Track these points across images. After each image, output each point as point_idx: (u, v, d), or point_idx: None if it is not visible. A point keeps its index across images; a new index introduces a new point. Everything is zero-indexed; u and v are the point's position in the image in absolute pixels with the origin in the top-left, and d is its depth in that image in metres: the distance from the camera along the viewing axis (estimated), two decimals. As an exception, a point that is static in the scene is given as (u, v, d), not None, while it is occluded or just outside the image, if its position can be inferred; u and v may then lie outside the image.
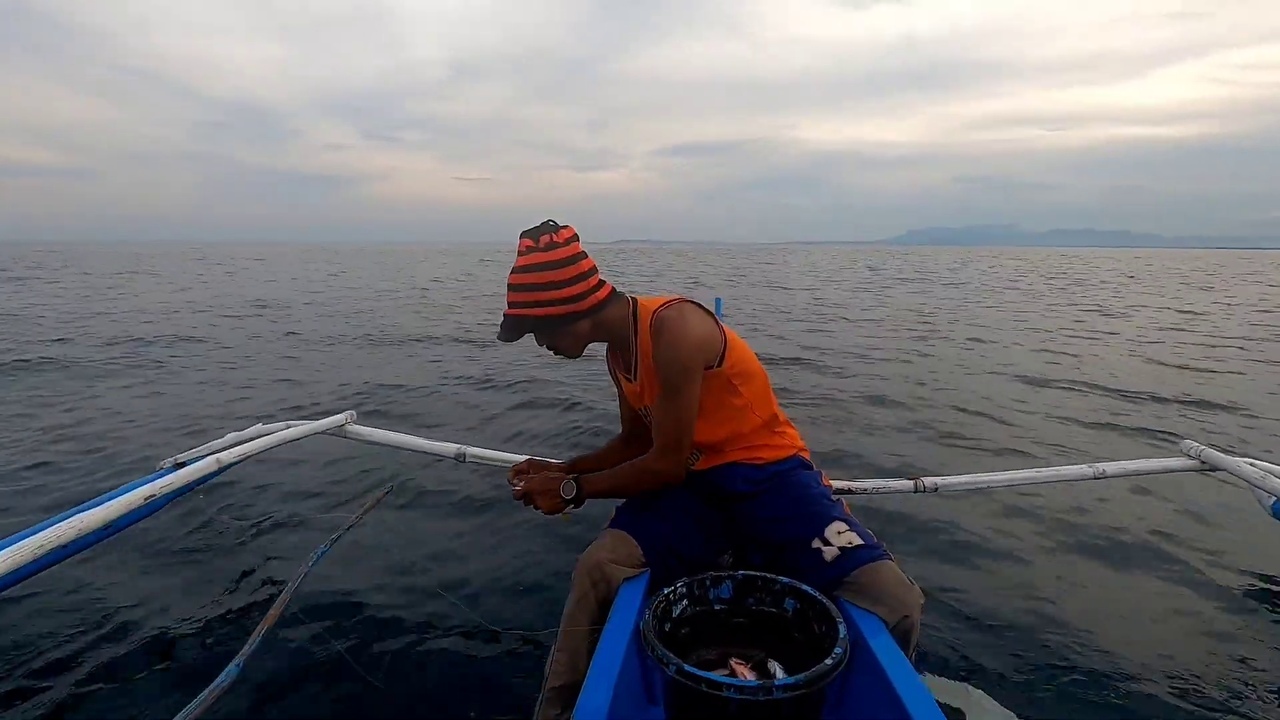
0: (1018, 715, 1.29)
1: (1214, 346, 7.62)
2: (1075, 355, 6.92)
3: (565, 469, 1.66)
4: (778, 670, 1.09)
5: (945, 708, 0.99)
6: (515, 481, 1.53)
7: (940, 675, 1.60)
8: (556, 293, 1.40)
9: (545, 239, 1.39)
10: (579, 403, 4.44)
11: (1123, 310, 11.94)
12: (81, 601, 1.87)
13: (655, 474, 1.44)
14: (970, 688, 1.33)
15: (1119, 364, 6.45)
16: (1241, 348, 7.54)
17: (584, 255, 1.43)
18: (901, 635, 1.22)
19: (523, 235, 1.42)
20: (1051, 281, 20.66)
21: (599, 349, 1.60)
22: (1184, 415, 4.50)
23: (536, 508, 1.46)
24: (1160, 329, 9.23)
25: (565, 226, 1.42)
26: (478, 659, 1.66)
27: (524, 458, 2.17)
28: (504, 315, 1.45)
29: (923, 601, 1.27)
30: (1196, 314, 11.33)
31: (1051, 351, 7.13)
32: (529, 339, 1.47)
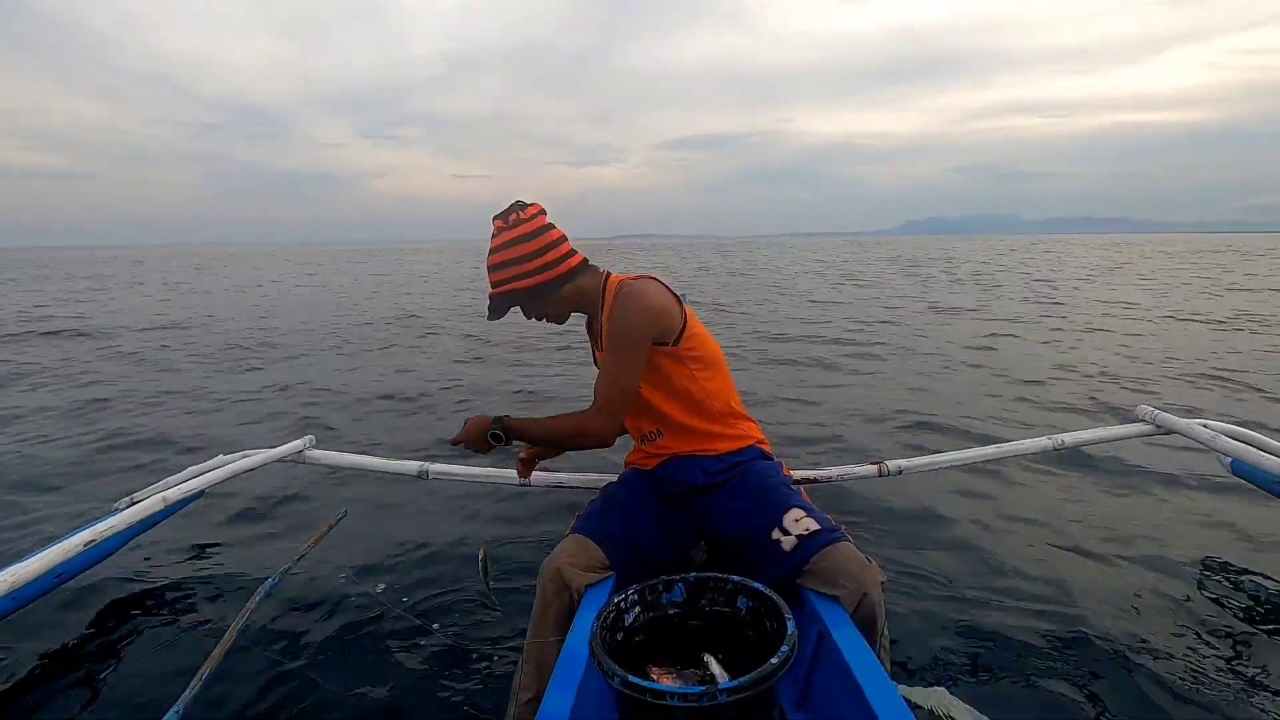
0: (988, 716, 1.29)
1: None
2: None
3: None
4: (713, 664, 1.08)
5: (920, 711, 0.99)
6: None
7: (913, 675, 1.60)
8: (530, 264, 1.47)
9: (514, 217, 1.48)
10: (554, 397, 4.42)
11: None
12: (12, 649, 1.78)
13: (585, 430, 1.49)
14: (944, 692, 1.32)
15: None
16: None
17: (552, 226, 1.51)
18: (866, 619, 1.23)
19: (495, 218, 1.50)
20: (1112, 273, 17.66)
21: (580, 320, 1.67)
22: None
23: (470, 447, 1.55)
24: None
25: (532, 204, 1.51)
26: (444, 680, 1.62)
27: (487, 470, 2.16)
28: (489, 297, 1.52)
29: (883, 580, 1.28)
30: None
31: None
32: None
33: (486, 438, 1.53)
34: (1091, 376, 5.07)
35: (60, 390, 5.19)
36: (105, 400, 4.78)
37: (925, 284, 14.52)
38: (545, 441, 1.60)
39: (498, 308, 1.52)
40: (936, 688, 1.36)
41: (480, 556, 1.59)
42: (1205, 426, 2.09)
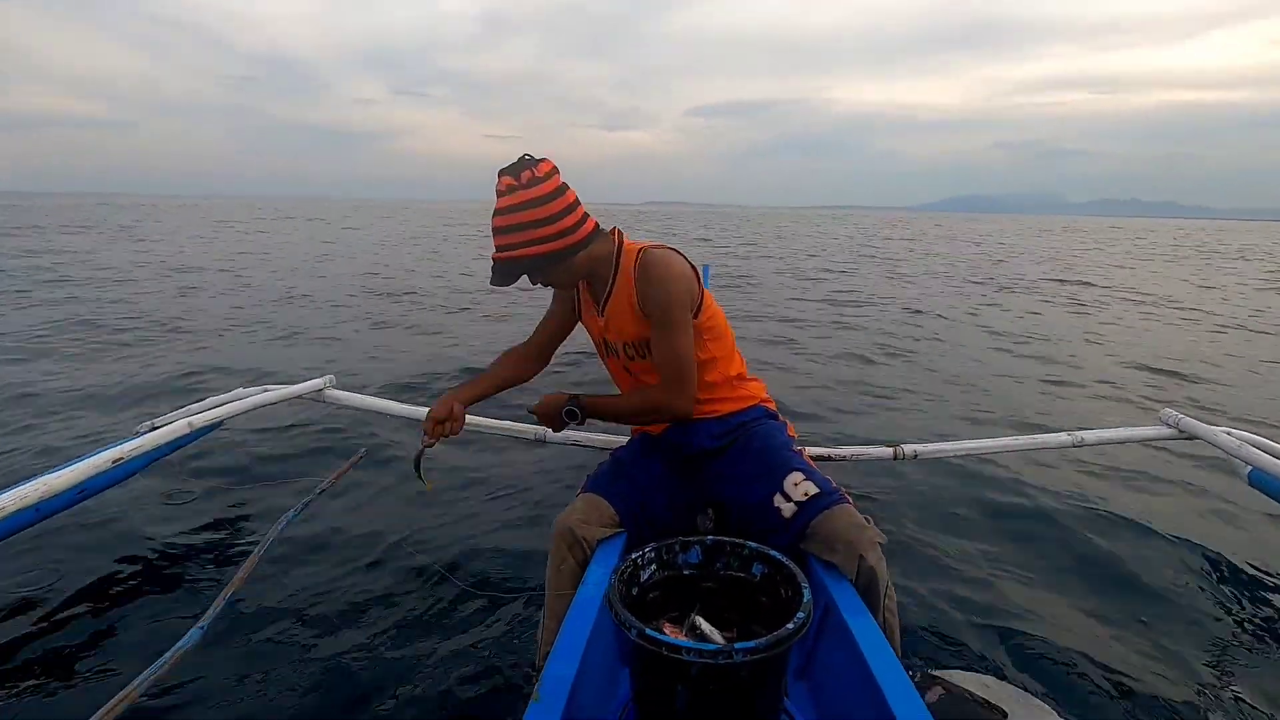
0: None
1: None
2: None
3: (463, 404, 1.52)
4: (703, 624, 1.10)
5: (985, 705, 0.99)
6: (426, 442, 1.48)
7: (936, 655, 1.61)
8: (548, 228, 1.34)
9: (526, 175, 1.33)
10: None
11: None
12: (45, 565, 1.85)
13: (665, 406, 1.44)
14: (986, 677, 1.33)
15: None
16: None
17: (567, 186, 1.38)
18: (866, 584, 1.25)
19: (501, 173, 1.35)
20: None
21: None
22: None
23: (544, 423, 1.53)
24: None
25: (543, 160, 1.36)
26: (461, 622, 1.66)
27: (505, 423, 2.17)
28: (494, 260, 1.39)
29: (881, 540, 1.29)
30: None
31: None
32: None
33: (562, 414, 1.48)
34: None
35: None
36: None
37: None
38: (621, 419, 1.53)
39: (505, 273, 1.39)
40: (985, 675, 1.36)
41: (415, 456, 1.48)
42: (1229, 434, 2.06)
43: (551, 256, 1.37)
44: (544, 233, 1.34)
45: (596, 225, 1.44)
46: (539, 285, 1.46)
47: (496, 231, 1.37)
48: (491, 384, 1.61)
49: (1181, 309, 8.41)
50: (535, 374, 1.68)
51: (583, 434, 2.10)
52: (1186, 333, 6.74)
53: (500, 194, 1.35)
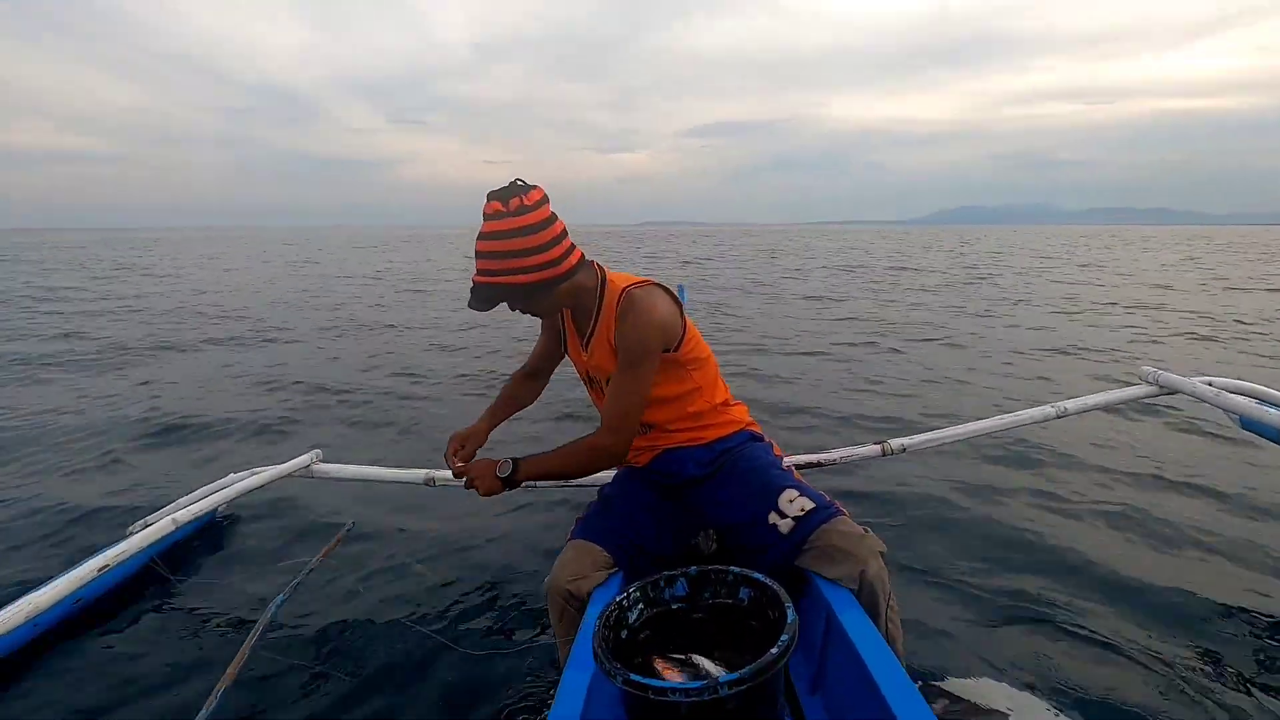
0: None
1: None
2: None
3: (486, 424, 1.66)
4: (703, 664, 1.09)
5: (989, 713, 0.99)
6: (454, 463, 1.53)
7: (938, 661, 1.57)
8: (533, 259, 1.32)
9: (515, 201, 1.30)
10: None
11: None
12: (29, 665, 1.77)
13: (600, 449, 1.41)
14: (990, 682, 1.32)
15: None
16: None
17: (556, 217, 1.36)
18: (870, 592, 1.23)
19: (490, 196, 1.32)
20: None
21: None
22: None
23: (478, 487, 1.43)
24: None
25: (535, 187, 1.33)
26: (463, 687, 1.63)
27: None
28: (474, 284, 1.36)
29: (881, 549, 1.27)
30: None
31: None
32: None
33: (496, 478, 1.42)
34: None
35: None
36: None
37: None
38: (561, 474, 1.50)
39: (484, 298, 1.36)
40: (983, 679, 1.35)
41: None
42: (1209, 384, 2.07)
43: (533, 287, 1.35)
44: (528, 263, 1.32)
45: (582, 256, 1.43)
46: (518, 312, 1.44)
47: (480, 255, 1.35)
48: (505, 407, 1.71)
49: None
50: (540, 391, 1.78)
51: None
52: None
53: (487, 217, 1.32)
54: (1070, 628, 1.71)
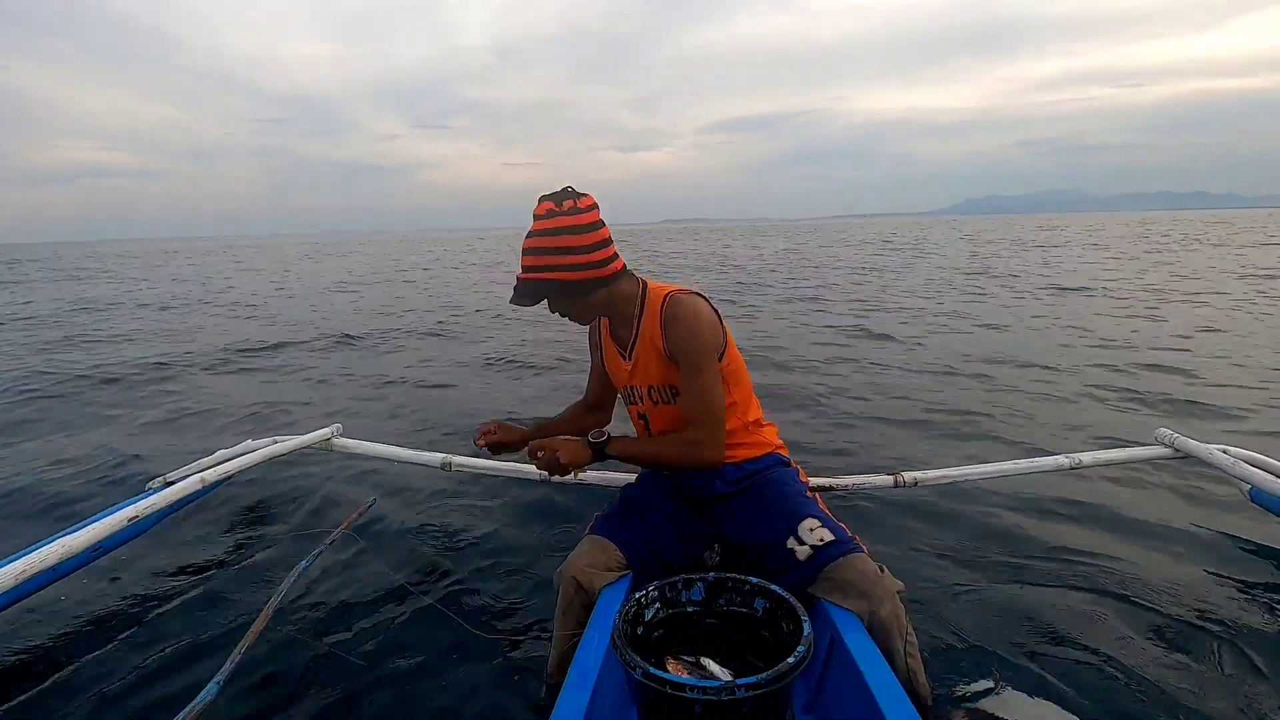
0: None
1: None
2: None
3: (530, 432, 1.71)
4: (712, 667, 1.12)
5: None
6: (481, 442, 1.63)
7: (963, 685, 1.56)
8: (579, 257, 1.38)
9: (568, 203, 1.38)
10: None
11: None
12: (60, 623, 1.86)
13: (697, 444, 1.42)
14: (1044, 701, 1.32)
15: None
16: None
17: (603, 223, 1.43)
18: (881, 629, 1.25)
19: (542, 199, 1.40)
20: None
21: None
22: None
23: (556, 462, 1.41)
24: None
25: (586, 194, 1.41)
26: (471, 666, 1.66)
27: (511, 464, 2.20)
28: (519, 279, 1.43)
29: (899, 589, 1.29)
30: None
31: None
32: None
33: (584, 444, 1.44)
34: None
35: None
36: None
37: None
38: (653, 462, 1.53)
39: (528, 293, 1.42)
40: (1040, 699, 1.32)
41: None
42: (1225, 452, 2.08)
43: (576, 285, 1.40)
44: (574, 260, 1.38)
45: (624, 266, 1.48)
46: (556, 314, 1.49)
47: (527, 252, 1.41)
48: (558, 428, 1.71)
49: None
50: (606, 423, 1.74)
51: (588, 473, 2.13)
52: None
53: (538, 217, 1.39)
54: (1092, 654, 1.69)
